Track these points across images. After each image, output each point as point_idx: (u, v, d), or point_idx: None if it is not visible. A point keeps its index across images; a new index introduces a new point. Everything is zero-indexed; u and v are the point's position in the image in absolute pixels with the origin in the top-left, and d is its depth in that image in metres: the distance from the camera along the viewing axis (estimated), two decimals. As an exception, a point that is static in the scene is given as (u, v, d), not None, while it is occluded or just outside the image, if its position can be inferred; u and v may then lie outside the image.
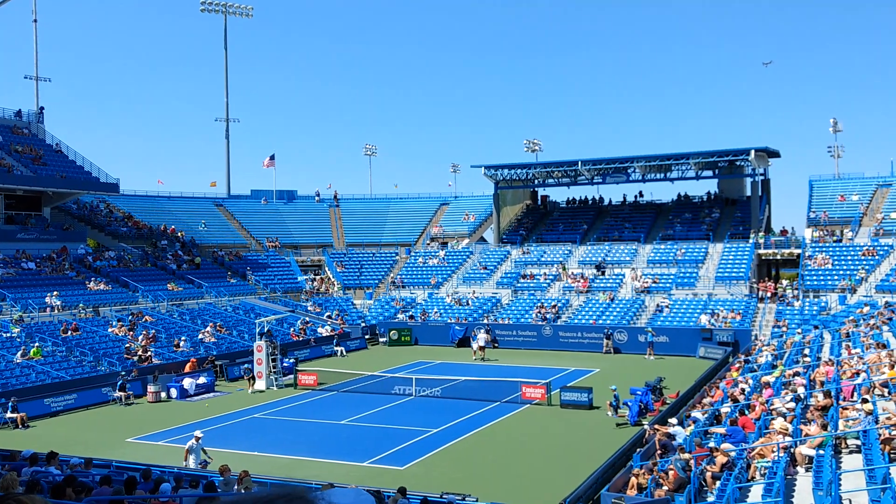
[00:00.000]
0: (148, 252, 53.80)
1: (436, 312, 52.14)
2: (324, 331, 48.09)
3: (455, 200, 72.04)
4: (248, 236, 64.33)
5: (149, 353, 37.68)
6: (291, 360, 37.57)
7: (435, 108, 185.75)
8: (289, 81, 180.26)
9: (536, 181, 65.01)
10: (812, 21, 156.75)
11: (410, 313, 52.45)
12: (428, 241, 65.89)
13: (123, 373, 33.47)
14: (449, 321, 49.41)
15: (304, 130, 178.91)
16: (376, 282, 60.31)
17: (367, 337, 49.81)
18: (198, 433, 20.95)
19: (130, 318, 41.91)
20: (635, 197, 65.06)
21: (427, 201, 72.23)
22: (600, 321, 46.34)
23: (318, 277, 60.92)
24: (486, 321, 48.39)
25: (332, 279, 60.82)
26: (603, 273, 53.41)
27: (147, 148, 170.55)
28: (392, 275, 60.63)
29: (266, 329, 38.30)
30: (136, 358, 36.80)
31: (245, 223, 65.93)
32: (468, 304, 52.67)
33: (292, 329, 47.15)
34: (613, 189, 72.17)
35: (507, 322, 48.34)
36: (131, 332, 39.98)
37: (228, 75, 73.21)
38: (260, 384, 34.47)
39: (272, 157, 69.92)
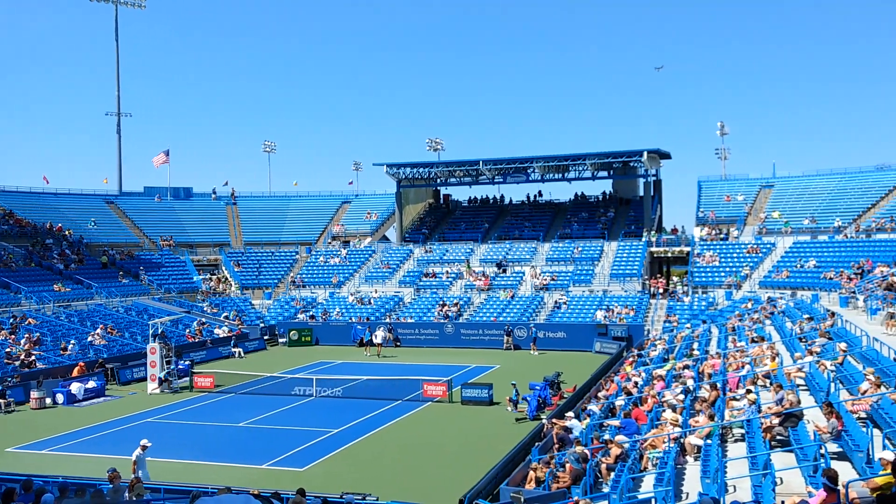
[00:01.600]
0: (32, 251, 51.12)
1: (337, 312, 51.67)
2: (221, 332, 46.91)
3: (357, 199, 71.58)
4: (141, 235, 62.09)
5: (32, 357, 35.80)
6: (187, 363, 36.47)
7: (336, 104, 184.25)
8: (184, 75, 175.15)
9: (439, 180, 65.36)
10: (702, 28, 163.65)
11: (311, 313, 51.79)
12: (329, 240, 65.23)
13: (8, 379, 31.70)
14: (351, 321, 49.05)
15: (201, 126, 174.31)
16: (275, 281, 59.27)
17: (266, 338, 48.89)
18: (144, 441, 19.02)
19: (12, 320, 39.75)
20: (535, 196, 66.34)
21: (328, 199, 71.47)
22: (501, 318, 47.00)
23: (214, 277, 59.36)
24: (388, 320, 48.29)
25: (230, 279, 59.40)
26: (504, 271, 54.20)
27: (31, 143, 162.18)
28: (292, 274, 59.74)
29: (160, 330, 37.12)
30: (17, 363, 34.90)
31: (138, 221, 63.63)
32: (370, 303, 52.45)
33: (188, 330, 45.80)
34: (514, 188, 73.55)
35: (409, 321, 48.37)
36: (13, 336, 37.91)
37: (120, 68, 70.39)
38: (153, 387, 33.41)
39: (166, 153, 67.77)
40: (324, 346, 47.08)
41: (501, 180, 61.57)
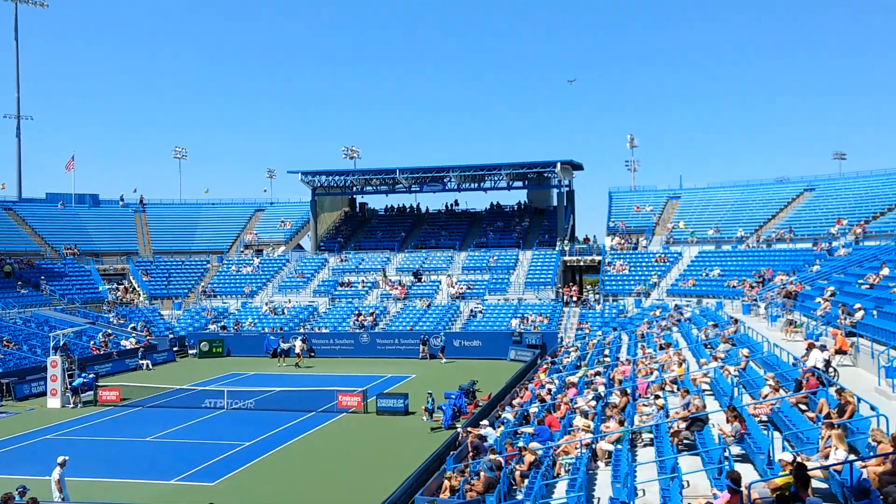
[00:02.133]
0: (-79, 260, 48.33)
1: (250, 322, 50.67)
2: (128, 343, 45.35)
3: (271, 207, 70.48)
4: (43, 243, 59.47)
5: (-79, 372, 33.79)
6: (91, 376, 35.07)
7: (250, 111, 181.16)
8: (90, 78, 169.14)
9: (355, 188, 64.95)
10: (614, 43, 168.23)
11: (222, 324, 50.60)
12: (242, 249, 63.96)
13: None
14: (264, 331, 48.16)
15: (108, 131, 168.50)
16: (186, 291, 57.68)
17: (175, 349, 47.50)
18: (62, 458, 17.74)
19: None
20: (451, 205, 66.71)
21: (241, 207, 70.12)
22: (417, 327, 46.97)
23: (121, 287, 57.35)
24: (302, 330, 47.63)
25: (138, 288, 57.50)
26: (420, 280, 54.22)
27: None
28: (203, 284, 58.28)
29: (62, 343, 35.60)
30: None
31: (39, 229, 60.92)
32: (284, 313, 51.63)
33: (92, 342, 44.09)
34: (431, 197, 73.64)
35: (324, 331, 47.82)
36: None
37: (20, 68, 67.53)
38: (54, 402, 31.99)
39: (72, 158, 65.38)
40: (235, 358, 46.07)
41: (418, 189, 61.67)
